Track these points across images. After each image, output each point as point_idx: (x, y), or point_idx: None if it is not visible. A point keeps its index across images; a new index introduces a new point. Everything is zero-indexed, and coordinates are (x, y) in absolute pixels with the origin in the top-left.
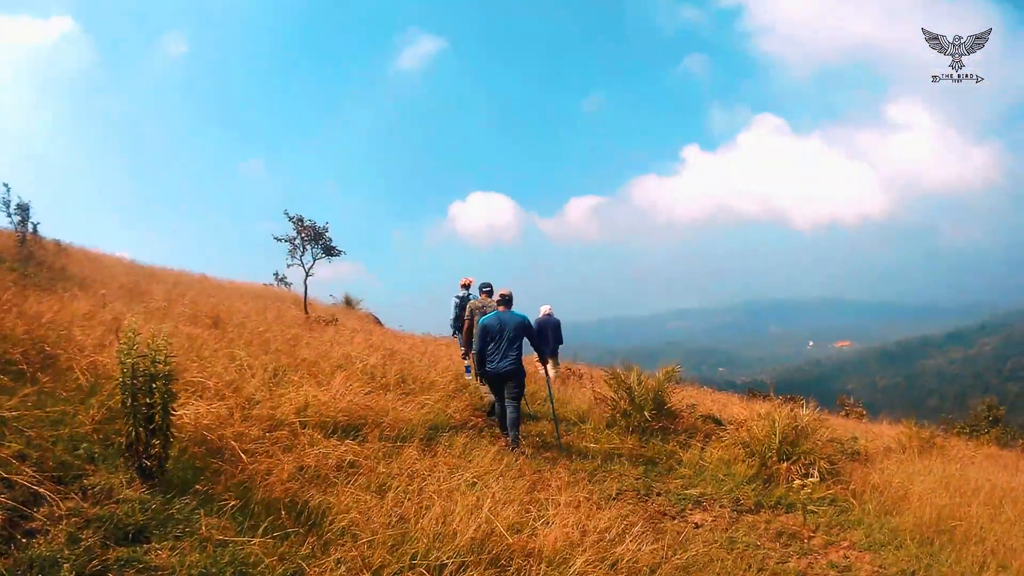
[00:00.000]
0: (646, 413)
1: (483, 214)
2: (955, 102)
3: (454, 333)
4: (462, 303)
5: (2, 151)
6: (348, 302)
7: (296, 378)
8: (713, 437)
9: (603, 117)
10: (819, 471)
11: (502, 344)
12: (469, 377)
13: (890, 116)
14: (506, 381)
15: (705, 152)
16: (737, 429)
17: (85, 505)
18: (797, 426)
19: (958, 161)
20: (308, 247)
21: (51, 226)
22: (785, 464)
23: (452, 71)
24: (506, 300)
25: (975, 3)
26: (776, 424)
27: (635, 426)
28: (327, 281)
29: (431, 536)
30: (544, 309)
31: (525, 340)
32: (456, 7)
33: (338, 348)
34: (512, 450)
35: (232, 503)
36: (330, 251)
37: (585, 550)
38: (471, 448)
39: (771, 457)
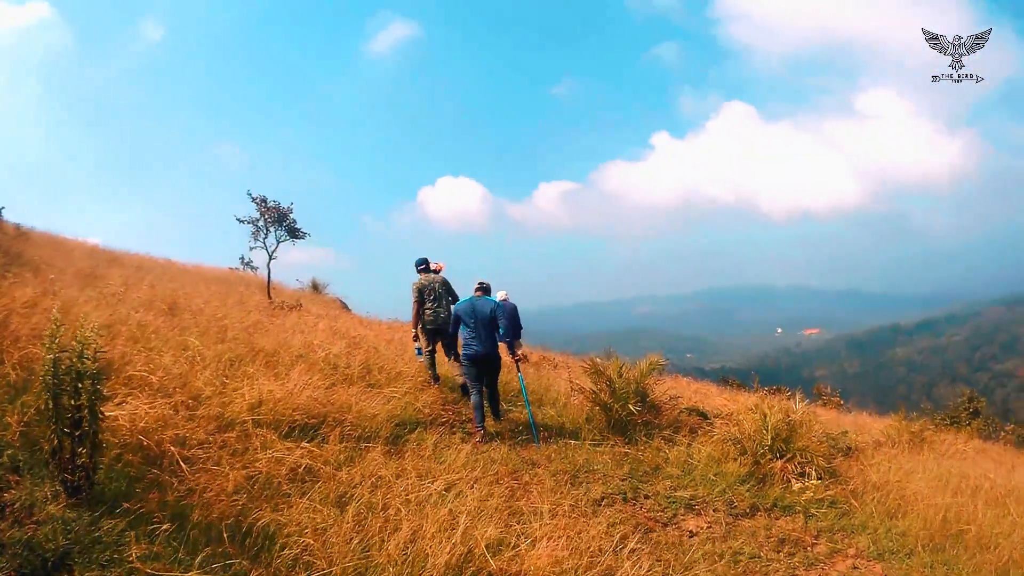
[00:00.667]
0: (630, 406)
1: (452, 199)
2: (927, 92)
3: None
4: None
5: None
6: (315, 287)
7: (252, 370)
8: (699, 432)
9: (573, 103)
10: (816, 470)
11: (478, 329)
12: (421, 359)
13: (861, 106)
14: (481, 364)
15: (675, 139)
16: (725, 423)
17: (2, 526)
18: (790, 421)
19: (930, 151)
20: (272, 229)
21: (23, 211)
22: (779, 462)
23: (423, 56)
24: (483, 288)
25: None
26: (768, 419)
27: (616, 420)
28: (297, 265)
29: (399, 562)
30: (500, 295)
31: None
32: None
33: (300, 336)
34: (482, 437)
35: (165, 527)
36: (294, 233)
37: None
38: (442, 448)
39: (764, 455)
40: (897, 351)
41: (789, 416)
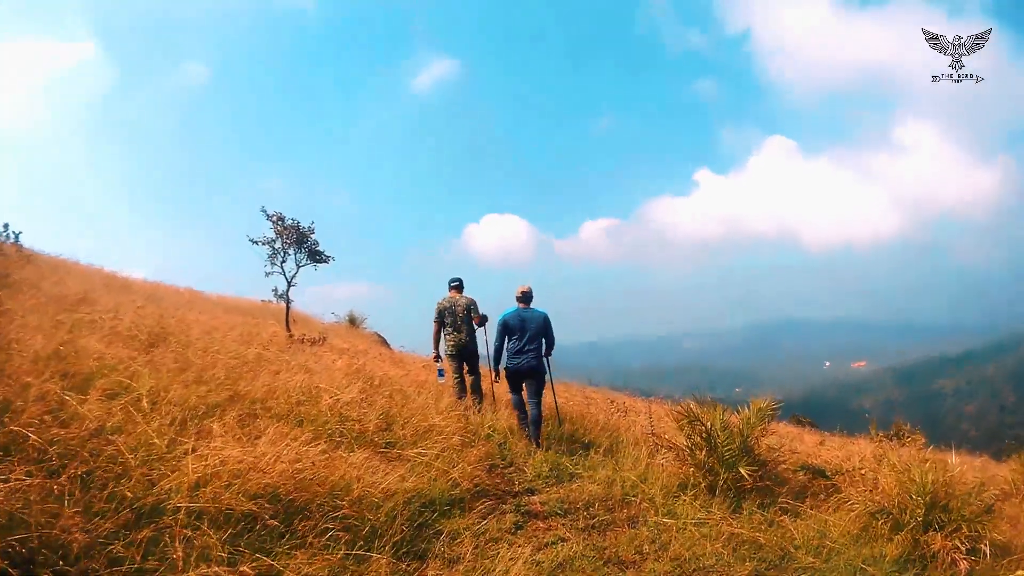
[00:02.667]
0: (741, 470)
1: (497, 236)
2: (963, 121)
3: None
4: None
5: (21, 168)
6: (352, 320)
7: (227, 422)
8: (822, 496)
9: (613, 140)
10: (990, 545)
11: (523, 341)
12: (442, 381)
13: (898, 137)
14: (527, 378)
15: (717, 175)
16: (853, 484)
17: None
18: (949, 480)
19: (967, 180)
20: (291, 252)
21: (66, 243)
22: (939, 537)
23: (465, 93)
24: (526, 297)
25: (980, 24)
26: (922, 479)
27: (722, 488)
28: (343, 300)
29: None
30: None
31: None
32: (470, 31)
33: (307, 377)
34: (535, 447)
35: None
36: (316, 256)
37: None
38: (487, 547)
39: (913, 527)
40: (945, 382)
41: (948, 473)
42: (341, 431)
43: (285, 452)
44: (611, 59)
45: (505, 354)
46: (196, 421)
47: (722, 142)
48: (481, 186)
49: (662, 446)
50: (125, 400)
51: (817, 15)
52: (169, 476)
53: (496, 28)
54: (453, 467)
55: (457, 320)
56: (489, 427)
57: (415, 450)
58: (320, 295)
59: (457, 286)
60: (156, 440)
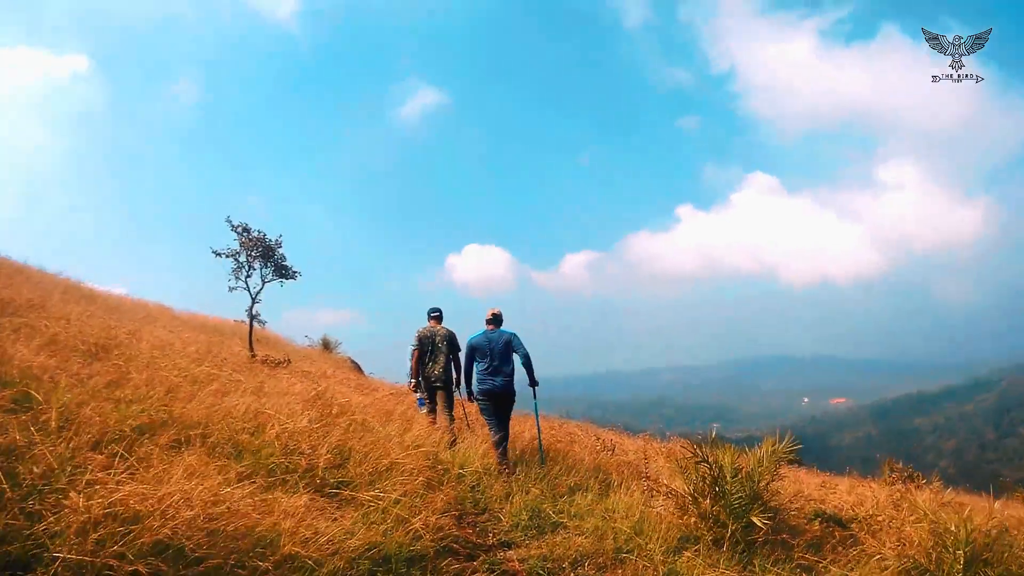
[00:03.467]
0: (755, 520)
1: (478, 266)
2: (945, 160)
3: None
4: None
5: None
6: (326, 344)
7: (146, 451)
8: (840, 548)
9: (596, 173)
10: None
11: (493, 362)
12: (423, 411)
13: (880, 175)
14: (499, 400)
15: (699, 211)
16: (872, 534)
17: None
18: (990, 531)
19: (950, 218)
20: (256, 266)
21: (49, 257)
22: None
23: (449, 123)
24: (496, 319)
25: (966, 62)
26: (959, 528)
27: (730, 540)
28: (323, 326)
29: None
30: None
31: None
32: (454, 61)
33: (258, 399)
34: (503, 469)
35: None
36: (283, 271)
37: None
38: None
39: None
40: (924, 419)
41: (989, 525)
42: (286, 465)
43: (199, 492)
44: (595, 94)
45: (475, 377)
46: (113, 446)
47: (705, 178)
48: (463, 216)
49: (659, 491)
50: (27, 416)
51: (802, 51)
52: (56, 514)
53: (480, 60)
54: (415, 515)
55: (436, 350)
56: (460, 466)
57: (371, 492)
58: (301, 319)
59: (437, 316)
60: (56, 466)
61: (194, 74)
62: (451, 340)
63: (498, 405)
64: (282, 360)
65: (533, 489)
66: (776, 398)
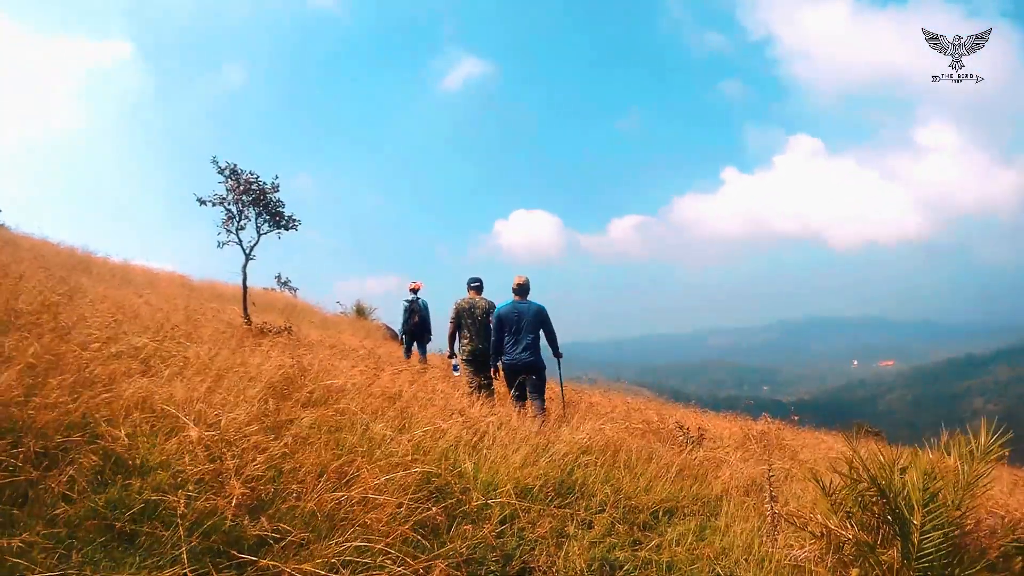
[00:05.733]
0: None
1: (526, 231)
2: (984, 122)
3: (400, 337)
4: (409, 307)
5: (59, 163)
6: (360, 311)
7: None
8: None
9: (641, 137)
10: None
11: (519, 334)
12: (457, 375)
13: (920, 138)
14: (525, 373)
15: (744, 174)
16: None
17: None
18: None
19: (988, 180)
20: (249, 214)
21: (87, 235)
22: None
23: (494, 91)
24: (522, 289)
25: (990, 23)
26: None
27: None
28: (372, 295)
29: None
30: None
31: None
32: (497, 33)
33: (205, 381)
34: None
35: None
36: (279, 219)
37: None
38: None
39: None
40: (973, 382)
41: None
42: (164, 512)
43: None
44: (635, 60)
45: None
46: None
47: (748, 141)
48: (510, 183)
49: (792, 522)
50: None
51: (837, 16)
52: None
53: (522, 29)
54: None
55: (476, 323)
56: (485, 487)
57: (308, 565)
58: (352, 288)
59: (477, 287)
60: None
61: (237, 59)
62: (492, 314)
63: (527, 380)
64: (281, 328)
65: (596, 521)
66: (824, 361)
